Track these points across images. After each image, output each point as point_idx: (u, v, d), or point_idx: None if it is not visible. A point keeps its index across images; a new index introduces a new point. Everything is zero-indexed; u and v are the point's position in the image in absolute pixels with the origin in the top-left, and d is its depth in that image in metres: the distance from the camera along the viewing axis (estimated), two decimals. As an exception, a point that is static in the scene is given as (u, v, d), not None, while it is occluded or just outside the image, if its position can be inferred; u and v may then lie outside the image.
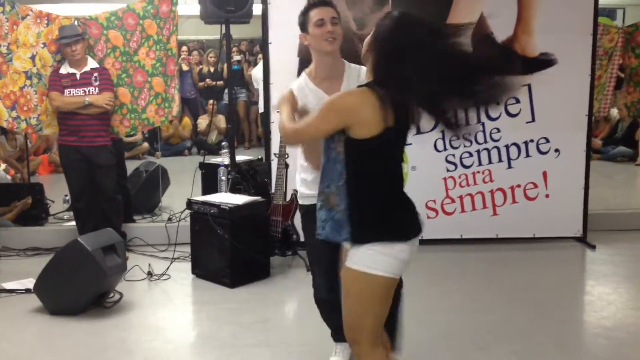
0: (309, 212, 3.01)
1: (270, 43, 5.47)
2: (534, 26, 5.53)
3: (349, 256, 2.43)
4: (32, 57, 5.51)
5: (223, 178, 5.32)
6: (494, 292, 4.61)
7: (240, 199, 4.85)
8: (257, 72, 9.66)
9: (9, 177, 7.39)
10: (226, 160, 5.68)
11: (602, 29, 6.57)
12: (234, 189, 5.30)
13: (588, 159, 5.74)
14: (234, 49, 10.86)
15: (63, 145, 5.47)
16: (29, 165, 7.73)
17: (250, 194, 5.15)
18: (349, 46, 5.33)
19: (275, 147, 5.34)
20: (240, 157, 5.89)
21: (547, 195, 5.69)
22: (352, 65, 3.14)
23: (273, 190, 5.20)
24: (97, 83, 5.35)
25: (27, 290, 4.50)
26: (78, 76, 5.36)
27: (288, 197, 5.19)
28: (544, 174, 5.68)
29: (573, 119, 5.64)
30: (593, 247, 5.61)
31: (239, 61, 11.18)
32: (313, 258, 3.35)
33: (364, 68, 2.90)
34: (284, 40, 5.40)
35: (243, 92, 11.21)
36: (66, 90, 5.32)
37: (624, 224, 6.22)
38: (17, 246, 5.62)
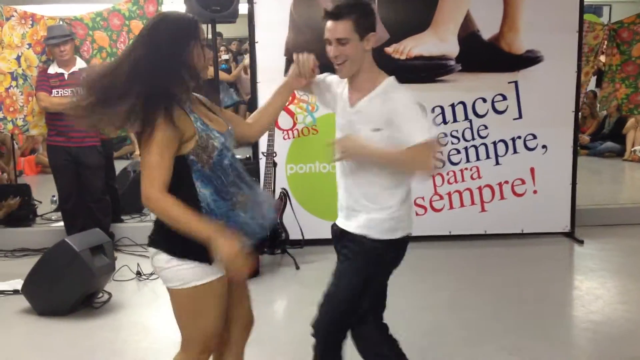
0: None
1: (257, 42, 5.47)
2: (520, 24, 5.56)
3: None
4: (18, 58, 5.48)
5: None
6: (483, 288, 4.63)
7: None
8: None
9: (-5, 178, 7.35)
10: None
11: (588, 26, 6.61)
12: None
13: (575, 154, 5.78)
14: (222, 48, 10.84)
15: (52, 146, 5.45)
16: (16, 166, 7.68)
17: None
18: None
19: (263, 146, 5.34)
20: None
21: (535, 191, 5.73)
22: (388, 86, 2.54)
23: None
24: None
25: (15, 291, 4.48)
26: (66, 76, 5.34)
27: (276, 196, 5.19)
28: (532, 170, 5.71)
29: (560, 116, 5.68)
30: (581, 242, 5.65)
31: (226, 60, 11.15)
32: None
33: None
34: (271, 40, 5.41)
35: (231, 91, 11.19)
36: (54, 91, 5.30)
37: (612, 219, 6.27)
38: (5, 247, 5.60)
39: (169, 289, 2.34)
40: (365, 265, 2.58)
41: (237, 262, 2.17)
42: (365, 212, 2.56)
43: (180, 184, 2.20)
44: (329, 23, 2.46)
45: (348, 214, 2.64)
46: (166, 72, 2.16)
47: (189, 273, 2.26)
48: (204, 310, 2.33)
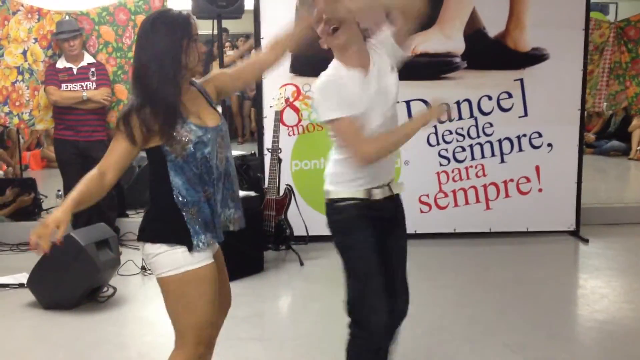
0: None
1: (262, 38, 5.46)
2: (526, 21, 5.55)
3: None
4: (24, 53, 5.49)
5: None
6: (487, 285, 4.63)
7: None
8: None
9: (1, 172, 7.37)
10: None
11: (594, 23, 6.59)
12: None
13: (581, 153, 5.77)
14: (227, 44, 10.83)
15: (59, 140, 5.47)
16: (21, 160, 7.70)
17: (243, 189, 5.15)
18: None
19: (268, 142, 5.34)
20: (233, 152, 5.89)
21: (540, 190, 5.72)
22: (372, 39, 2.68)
23: (266, 185, 5.20)
24: (95, 78, 5.35)
25: (21, 285, 4.49)
26: (75, 71, 5.35)
27: (281, 192, 5.19)
28: (537, 168, 5.70)
29: (566, 114, 5.67)
30: (586, 240, 5.64)
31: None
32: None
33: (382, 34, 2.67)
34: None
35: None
36: (63, 85, 5.32)
37: (617, 217, 6.26)
38: (11, 241, 5.61)
39: (160, 279, 2.36)
40: None
41: None
42: None
43: (156, 172, 2.34)
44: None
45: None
46: (165, 75, 2.25)
47: (180, 257, 2.31)
48: (196, 298, 2.34)
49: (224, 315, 2.68)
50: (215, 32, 5.62)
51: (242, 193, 4.89)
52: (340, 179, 2.60)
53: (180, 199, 2.31)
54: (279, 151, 5.16)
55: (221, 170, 2.40)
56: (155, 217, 2.38)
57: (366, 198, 2.58)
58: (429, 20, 5.48)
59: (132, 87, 2.39)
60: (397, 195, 2.72)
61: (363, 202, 2.58)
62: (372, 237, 2.58)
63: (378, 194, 2.60)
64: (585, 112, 5.89)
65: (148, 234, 2.37)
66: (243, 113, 11.32)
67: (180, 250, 2.30)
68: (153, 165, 2.36)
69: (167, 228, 2.33)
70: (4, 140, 8.36)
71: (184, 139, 2.27)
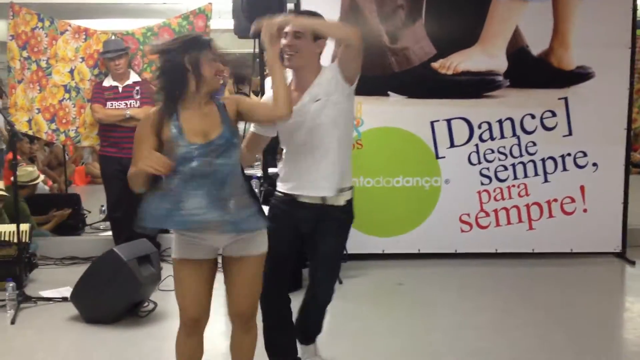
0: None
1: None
2: (571, 39, 5.48)
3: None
4: (71, 71, 5.63)
5: (256, 190, 5.34)
6: (530, 308, 4.54)
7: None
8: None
9: (47, 187, 7.54)
10: (259, 172, 5.70)
11: (641, 41, 6.47)
12: (266, 201, 5.31)
13: (627, 173, 5.65)
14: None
15: (104, 156, 5.58)
16: (67, 175, 7.87)
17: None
18: (381, 60, 5.38)
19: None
20: (272, 169, 5.91)
21: (584, 210, 5.61)
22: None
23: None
24: (139, 96, 5.45)
25: (64, 299, 4.56)
26: (120, 89, 5.46)
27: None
28: (582, 188, 5.60)
29: (611, 133, 5.57)
30: (632, 262, 5.50)
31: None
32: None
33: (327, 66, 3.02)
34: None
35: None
36: (108, 103, 5.43)
37: (664, 240, 6.08)
38: (55, 255, 5.71)
39: None
40: None
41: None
42: None
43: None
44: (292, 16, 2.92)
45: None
46: (174, 79, 2.63)
47: (174, 245, 2.79)
48: (178, 282, 2.78)
49: (235, 320, 2.92)
50: (257, 50, 5.67)
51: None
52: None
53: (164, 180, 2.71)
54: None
55: (202, 172, 2.61)
56: None
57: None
58: (471, 38, 5.47)
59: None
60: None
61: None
62: None
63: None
64: (632, 131, 5.77)
65: None
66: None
67: (176, 240, 2.77)
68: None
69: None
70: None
71: (173, 149, 2.62)
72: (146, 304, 4.46)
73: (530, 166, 5.59)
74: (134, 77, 5.54)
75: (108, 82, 5.51)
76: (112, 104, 5.42)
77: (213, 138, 2.63)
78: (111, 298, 4.19)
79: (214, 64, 2.62)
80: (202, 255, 2.76)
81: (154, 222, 2.67)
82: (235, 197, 2.67)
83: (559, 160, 5.58)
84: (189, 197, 2.61)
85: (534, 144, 5.56)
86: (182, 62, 2.59)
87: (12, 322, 4.26)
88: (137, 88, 5.47)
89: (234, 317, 2.91)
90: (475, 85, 5.50)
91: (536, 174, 5.58)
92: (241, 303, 2.84)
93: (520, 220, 5.62)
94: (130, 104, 5.42)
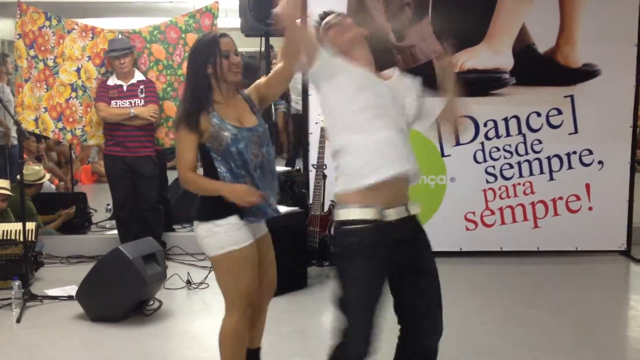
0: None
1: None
2: (577, 37, 5.46)
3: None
4: (78, 70, 5.65)
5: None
6: (535, 306, 4.53)
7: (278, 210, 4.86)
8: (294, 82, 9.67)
9: (53, 186, 7.57)
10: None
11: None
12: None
13: (633, 171, 5.63)
14: (274, 60, 10.95)
15: (109, 155, 5.59)
16: (73, 175, 7.90)
17: (288, 205, 5.17)
18: (388, 58, 5.37)
19: (313, 159, 5.36)
20: (278, 168, 5.92)
21: (590, 208, 5.59)
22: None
23: (311, 201, 5.21)
24: (143, 95, 5.46)
25: (70, 297, 4.58)
26: (125, 88, 5.47)
27: (326, 208, 5.19)
28: (587, 186, 5.58)
29: (617, 131, 5.54)
30: (638, 261, 5.48)
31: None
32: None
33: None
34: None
35: (282, 103, 11.27)
36: (113, 102, 5.44)
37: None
38: (61, 254, 5.74)
39: (211, 259, 2.88)
40: None
41: (239, 194, 2.73)
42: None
43: (205, 165, 2.85)
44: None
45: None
46: (199, 86, 2.81)
47: (225, 237, 2.79)
48: (241, 272, 2.83)
49: (269, 298, 3.12)
50: (263, 49, 5.69)
51: (287, 209, 4.93)
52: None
53: (227, 181, 2.78)
54: (324, 167, 5.17)
55: (256, 164, 2.82)
56: (204, 200, 2.85)
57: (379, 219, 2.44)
58: (477, 36, 5.46)
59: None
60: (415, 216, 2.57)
61: (375, 223, 2.43)
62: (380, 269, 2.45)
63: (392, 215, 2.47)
64: (638, 129, 5.75)
65: (199, 216, 2.85)
66: (289, 129, 11.40)
67: (225, 230, 2.78)
68: (203, 161, 2.85)
69: (212, 206, 2.80)
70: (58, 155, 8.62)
71: (221, 135, 2.75)
72: (152, 302, 4.48)
73: (535, 164, 5.57)
74: (138, 76, 5.55)
75: (112, 80, 5.52)
76: (116, 102, 5.43)
77: (251, 126, 2.84)
78: (117, 296, 4.21)
79: (225, 60, 2.79)
80: (253, 237, 2.90)
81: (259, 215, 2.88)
82: (275, 183, 2.96)
83: (565, 158, 5.57)
84: (258, 182, 2.82)
85: (540, 142, 5.55)
86: (204, 69, 2.80)
87: (18, 321, 4.29)
88: (142, 87, 5.48)
89: (268, 295, 3.10)
90: (481, 83, 5.49)
91: (542, 172, 5.57)
92: (272, 272, 3.10)
93: (525, 219, 5.61)
94: (135, 102, 5.43)
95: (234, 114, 2.84)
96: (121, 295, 4.22)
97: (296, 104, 9.72)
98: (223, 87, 2.83)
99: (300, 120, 6.95)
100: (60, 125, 5.69)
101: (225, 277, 2.87)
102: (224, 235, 2.79)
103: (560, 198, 5.59)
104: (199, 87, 2.82)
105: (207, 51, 2.80)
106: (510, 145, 5.56)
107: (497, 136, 5.54)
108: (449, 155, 5.53)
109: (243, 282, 2.84)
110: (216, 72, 2.80)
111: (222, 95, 2.85)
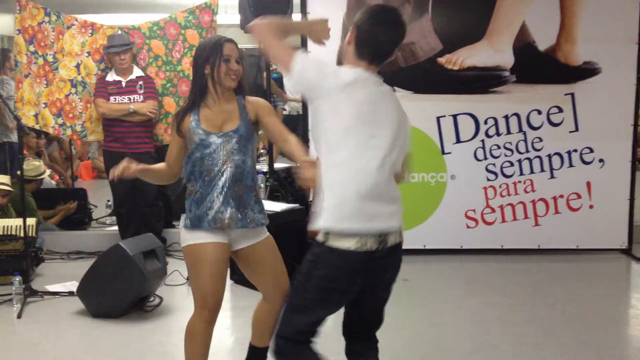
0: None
1: (309, 52, 5.49)
2: (577, 35, 5.46)
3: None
4: (77, 66, 5.64)
5: (262, 185, 5.35)
6: (536, 304, 4.53)
7: (278, 206, 4.87)
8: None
9: (53, 182, 7.57)
10: (265, 167, 5.71)
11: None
12: (272, 196, 5.32)
13: (633, 169, 5.63)
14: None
15: (108, 151, 5.58)
16: (73, 171, 7.89)
17: (288, 201, 5.17)
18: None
19: (313, 155, 5.34)
20: (278, 165, 5.92)
21: (591, 206, 5.59)
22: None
23: (311, 198, 5.21)
24: (142, 91, 5.45)
25: (70, 293, 4.58)
26: (124, 84, 5.46)
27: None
28: (588, 184, 5.58)
29: (618, 129, 5.54)
30: (638, 259, 5.48)
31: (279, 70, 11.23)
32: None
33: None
34: (323, 50, 5.39)
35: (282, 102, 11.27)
36: (112, 97, 5.43)
37: (671, 236, 6.06)
38: (61, 250, 5.74)
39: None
40: None
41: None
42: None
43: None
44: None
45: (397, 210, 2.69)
46: (197, 84, 2.89)
47: (187, 234, 2.86)
48: (198, 268, 2.84)
49: (278, 301, 2.98)
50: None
51: (287, 206, 4.93)
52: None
53: (188, 185, 2.89)
54: (325, 164, 5.16)
55: (222, 171, 2.81)
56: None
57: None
58: (477, 33, 5.46)
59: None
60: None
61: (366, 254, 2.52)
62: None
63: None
64: (638, 127, 5.75)
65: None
66: (289, 128, 11.38)
67: (189, 229, 2.85)
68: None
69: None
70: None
71: (192, 139, 2.83)
72: (152, 298, 4.48)
73: (536, 162, 5.57)
74: (137, 72, 5.54)
75: (111, 76, 5.51)
76: (115, 98, 5.43)
77: (228, 130, 2.84)
78: (117, 292, 4.21)
79: (224, 64, 2.82)
80: (221, 239, 2.87)
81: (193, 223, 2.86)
82: (252, 193, 2.89)
83: (565, 156, 5.57)
84: (211, 192, 2.83)
85: (540, 140, 5.55)
86: (203, 69, 2.85)
87: (19, 316, 4.29)
88: (141, 83, 5.47)
89: (277, 297, 2.98)
90: (481, 81, 5.49)
91: (542, 170, 5.57)
92: (283, 281, 2.99)
93: (526, 217, 5.61)
94: (134, 98, 5.42)
95: (220, 120, 2.86)
96: (121, 292, 4.22)
97: (296, 104, 9.72)
98: (218, 90, 2.86)
99: (299, 120, 6.95)
100: (60, 121, 5.68)
101: (189, 272, 2.95)
102: (186, 232, 2.88)
103: (561, 196, 5.59)
104: (196, 85, 2.89)
105: (209, 52, 2.84)
106: (510, 143, 5.56)
107: (498, 134, 5.53)
108: (450, 153, 5.53)
109: (200, 280, 2.86)
110: (213, 74, 2.83)
111: (216, 98, 2.87)
